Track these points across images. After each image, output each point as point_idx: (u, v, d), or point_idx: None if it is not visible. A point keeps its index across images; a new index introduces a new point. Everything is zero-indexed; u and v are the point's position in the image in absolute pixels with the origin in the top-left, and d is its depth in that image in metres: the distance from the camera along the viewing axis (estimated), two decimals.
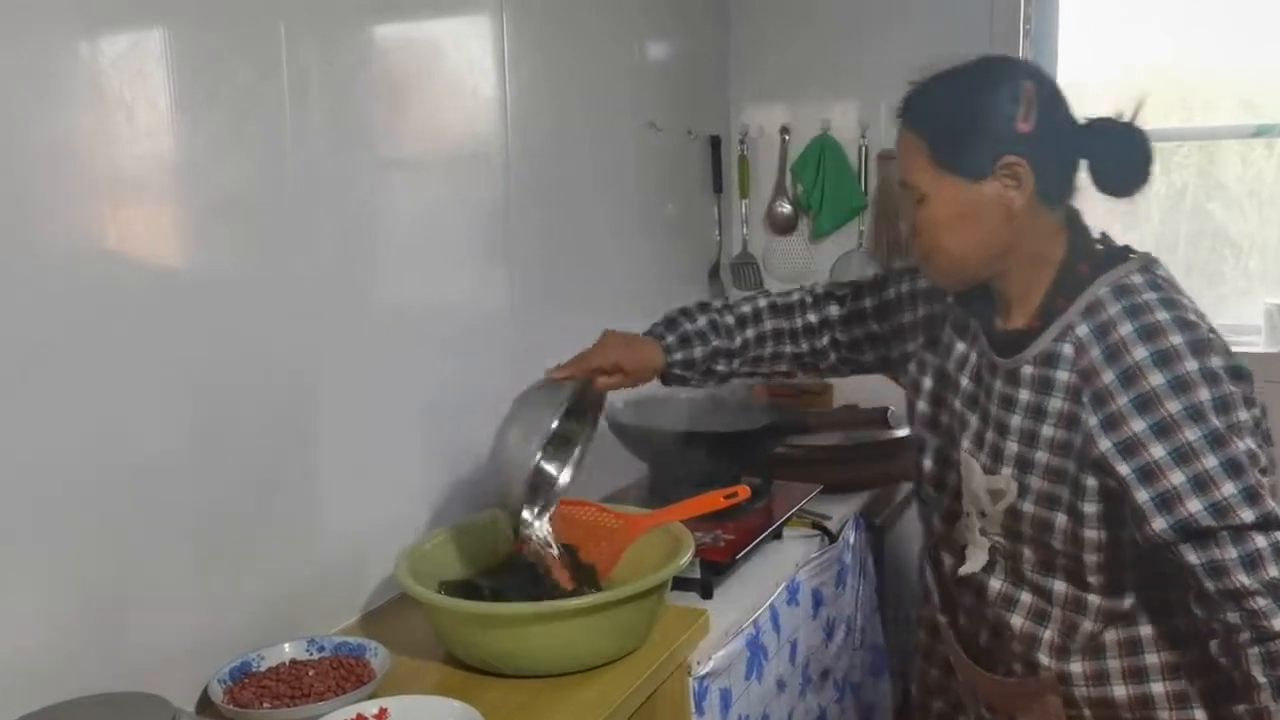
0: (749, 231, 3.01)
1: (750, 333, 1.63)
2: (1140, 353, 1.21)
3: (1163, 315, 1.24)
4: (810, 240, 2.97)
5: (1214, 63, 2.69)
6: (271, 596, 1.54)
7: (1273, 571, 1.14)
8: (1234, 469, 1.17)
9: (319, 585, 1.63)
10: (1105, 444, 1.21)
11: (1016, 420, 1.30)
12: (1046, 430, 1.27)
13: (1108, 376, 1.22)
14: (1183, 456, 1.18)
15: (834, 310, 1.63)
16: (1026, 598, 1.35)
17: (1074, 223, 1.37)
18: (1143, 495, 1.19)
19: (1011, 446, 1.31)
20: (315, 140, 1.57)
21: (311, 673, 1.43)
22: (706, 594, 1.85)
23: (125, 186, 1.31)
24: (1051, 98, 1.33)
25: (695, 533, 1.84)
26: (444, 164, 1.89)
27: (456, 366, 1.91)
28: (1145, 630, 1.30)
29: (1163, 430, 1.18)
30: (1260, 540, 1.15)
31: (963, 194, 1.30)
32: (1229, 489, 1.16)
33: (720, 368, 1.64)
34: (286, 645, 1.47)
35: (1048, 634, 1.34)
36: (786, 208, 2.97)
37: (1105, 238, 1.40)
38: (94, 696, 1.19)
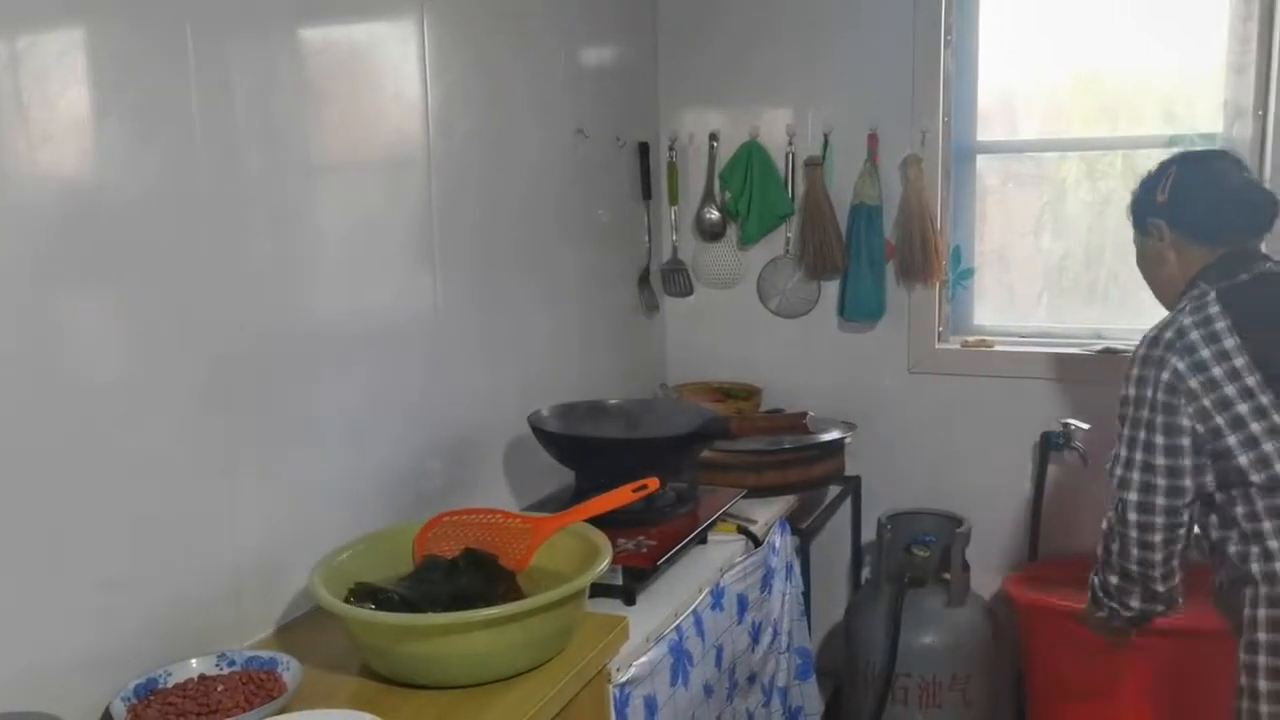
0: (679, 238, 3.02)
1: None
2: None
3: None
4: (738, 247, 2.99)
5: (1138, 73, 2.75)
6: (182, 610, 1.50)
7: None
8: None
9: (232, 598, 1.60)
10: None
11: None
12: None
13: None
14: None
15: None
16: None
17: (1217, 262, 1.83)
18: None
19: None
20: (230, 144, 1.55)
21: (220, 688, 1.40)
22: (629, 600, 1.85)
23: (20, 193, 1.27)
24: (1197, 175, 1.90)
25: (618, 539, 1.84)
26: (365, 167, 1.87)
27: (377, 372, 1.89)
28: None
29: None
30: None
31: (1139, 245, 1.98)
32: None
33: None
34: (194, 660, 1.44)
35: None
36: (715, 214, 2.98)
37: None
38: None
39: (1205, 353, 1.70)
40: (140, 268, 1.42)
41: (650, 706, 1.76)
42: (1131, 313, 2.78)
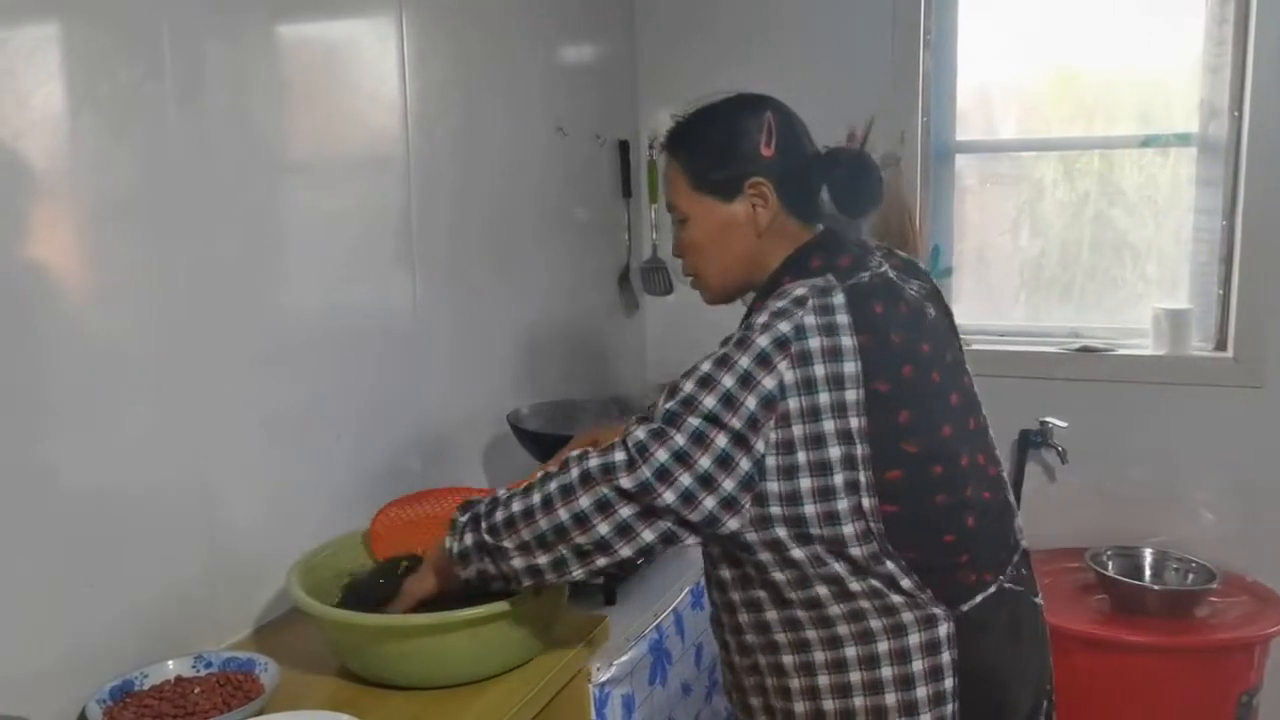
0: (659, 236, 3.01)
1: None
2: None
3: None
4: None
5: (1115, 72, 2.76)
6: (159, 611, 1.49)
7: None
8: None
9: (210, 599, 1.59)
10: None
11: None
12: None
13: None
14: None
15: None
16: None
17: (823, 240, 1.44)
18: None
19: None
20: (207, 142, 1.53)
21: (197, 690, 1.39)
22: (610, 599, 1.84)
23: None
24: (793, 128, 1.46)
25: None
26: (343, 165, 1.86)
27: (356, 369, 1.88)
28: None
29: None
30: None
31: (718, 214, 1.44)
32: None
33: None
34: (170, 662, 1.43)
35: None
36: None
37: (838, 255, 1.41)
38: None
39: (819, 370, 1.27)
40: (113, 265, 1.41)
41: (628, 705, 1.76)
42: (1108, 311, 2.80)
